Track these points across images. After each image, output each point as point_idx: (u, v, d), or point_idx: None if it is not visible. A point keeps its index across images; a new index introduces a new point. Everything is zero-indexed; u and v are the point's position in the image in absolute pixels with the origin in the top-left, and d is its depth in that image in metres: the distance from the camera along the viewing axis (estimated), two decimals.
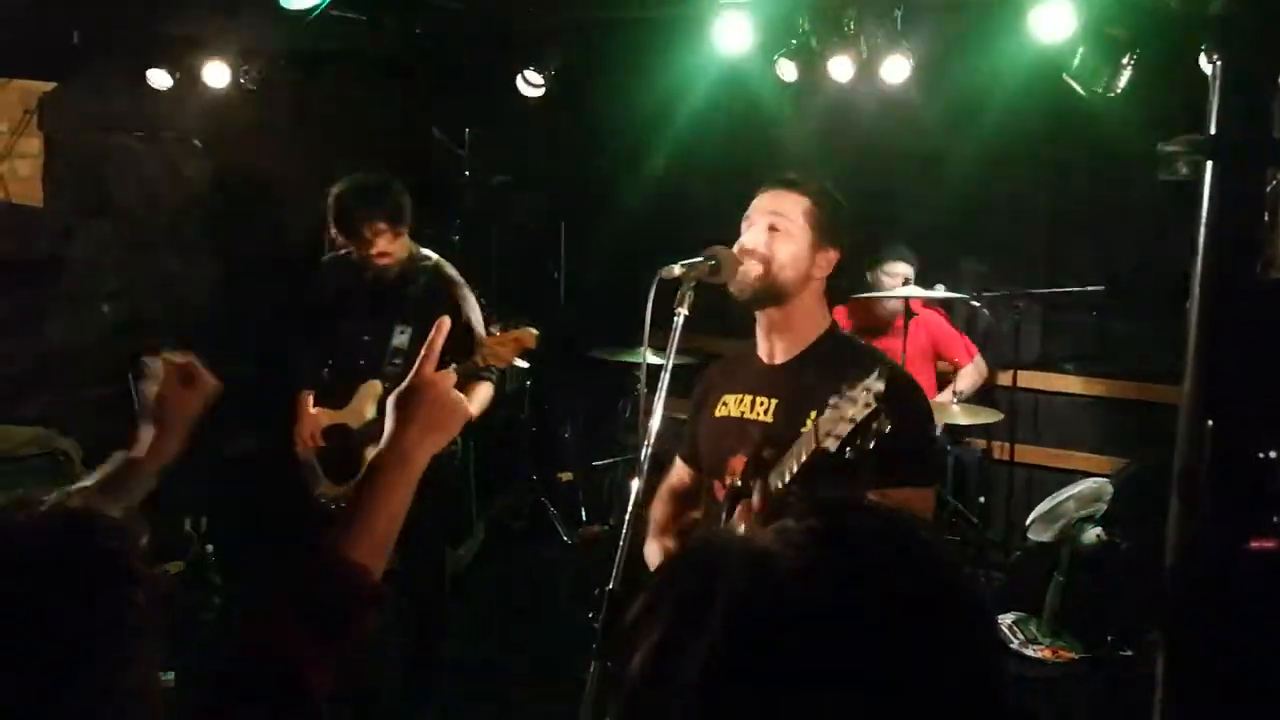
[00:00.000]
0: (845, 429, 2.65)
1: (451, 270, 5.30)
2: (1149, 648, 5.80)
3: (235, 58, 6.50)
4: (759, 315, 3.32)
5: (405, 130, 7.83)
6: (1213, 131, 1.62)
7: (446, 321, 2.29)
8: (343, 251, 5.33)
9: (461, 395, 2.14)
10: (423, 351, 2.17)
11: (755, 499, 2.88)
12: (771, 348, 3.32)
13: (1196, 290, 1.58)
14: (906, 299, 6.45)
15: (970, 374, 6.80)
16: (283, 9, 5.65)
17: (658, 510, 3.68)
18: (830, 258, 3.24)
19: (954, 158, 6.79)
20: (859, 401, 2.64)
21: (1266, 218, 1.72)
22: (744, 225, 3.30)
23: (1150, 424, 6.53)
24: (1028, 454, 7.09)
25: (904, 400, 2.95)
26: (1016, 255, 7.24)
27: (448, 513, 5.40)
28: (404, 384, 2.07)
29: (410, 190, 7.78)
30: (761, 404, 3.27)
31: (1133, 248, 6.77)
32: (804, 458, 2.77)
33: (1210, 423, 1.57)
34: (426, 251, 5.30)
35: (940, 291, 6.61)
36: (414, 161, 7.85)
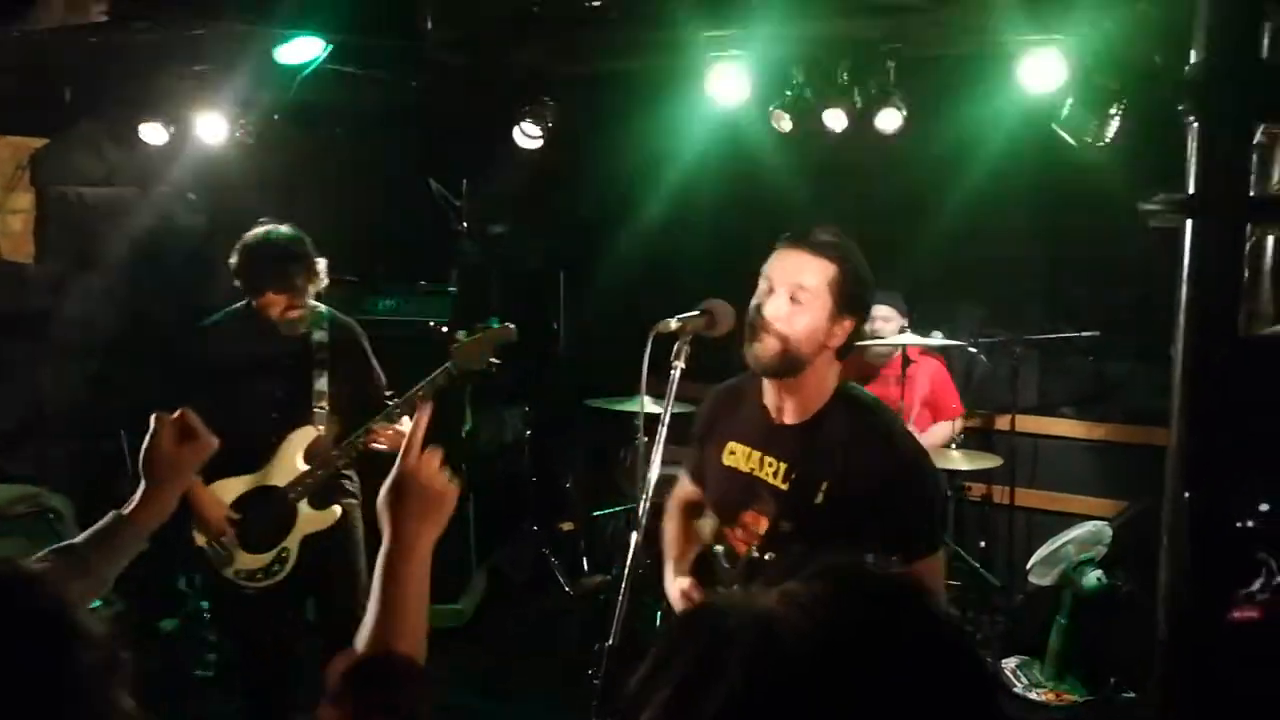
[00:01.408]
0: None
1: (342, 315, 5.22)
2: (1152, 690, 5.80)
3: (230, 111, 6.53)
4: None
5: (402, 182, 7.86)
6: (1190, 190, 1.64)
7: (428, 409, 2.28)
8: (234, 309, 5.06)
9: (446, 476, 2.12)
10: (404, 444, 2.13)
11: None
12: (780, 405, 3.30)
13: (1179, 349, 1.60)
14: (904, 346, 6.46)
15: (943, 431, 6.82)
16: (278, 63, 5.69)
17: (671, 528, 3.76)
18: (847, 327, 3.18)
19: (949, 206, 6.82)
20: None
21: (1247, 274, 1.74)
22: (763, 283, 3.22)
23: (1148, 466, 6.48)
24: (1027, 498, 7.08)
25: (912, 477, 3.11)
26: (1013, 301, 7.26)
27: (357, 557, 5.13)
28: (390, 479, 2.06)
29: (408, 241, 7.85)
30: (771, 465, 3.27)
31: (1128, 291, 6.78)
32: None
33: (1187, 495, 1.58)
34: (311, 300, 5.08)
35: (938, 339, 6.64)
36: (411, 212, 7.88)
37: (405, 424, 4.79)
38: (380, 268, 7.39)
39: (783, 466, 3.24)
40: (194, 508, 4.81)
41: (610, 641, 3.09)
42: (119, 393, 6.65)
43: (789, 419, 3.27)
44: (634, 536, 3.27)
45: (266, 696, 5.05)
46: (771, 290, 3.16)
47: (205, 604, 5.71)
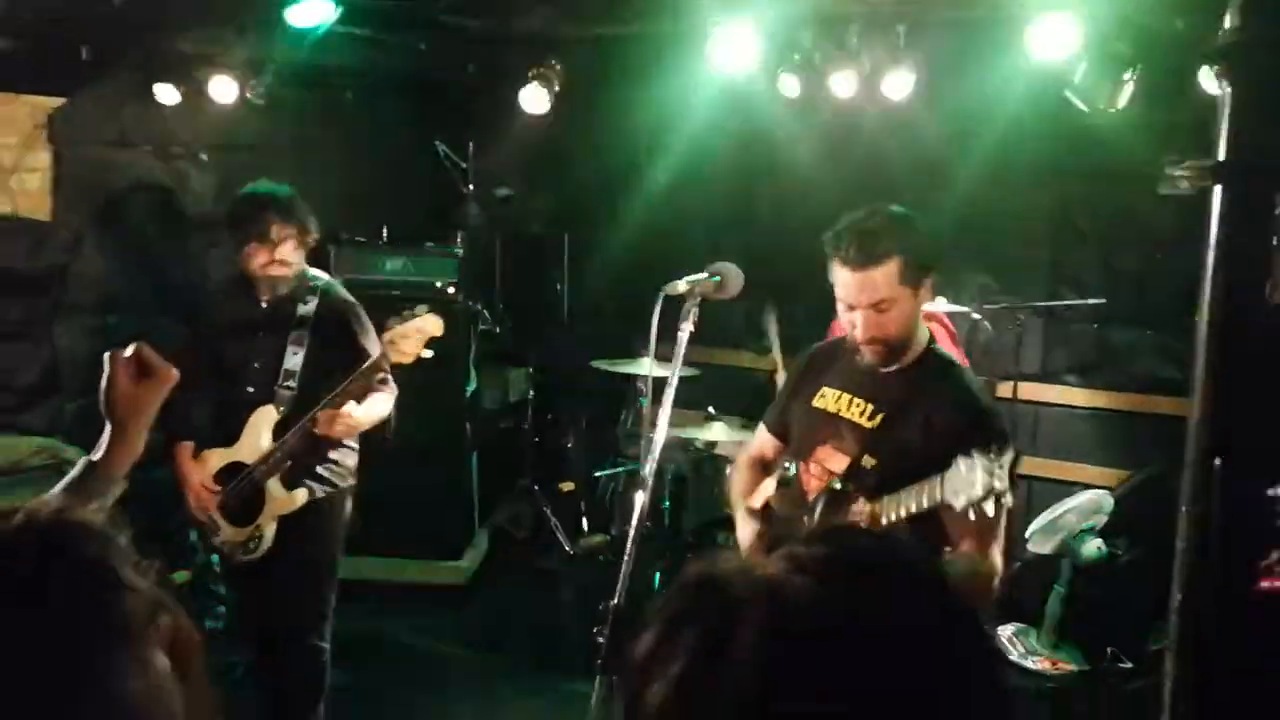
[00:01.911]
0: (976, 495, 2.91)
1: (343, 291, 4.98)
2: (1149, 659, 5.82)
3: (242, 73, 6.51)
4: None
5: (410, 144, 7.86)
6: (1221, 156, 1.65)
7: None
8: (230, 276, 4.96)
9: None
10: None
11: (864, 518, 3.18)
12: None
13: (1205, 317, 1.61)
14: None
15: None
16: (289, 25, 5.69)
17: (739, 480, 3.89)
18: (929, 283, 3.36)
19: (956, 172, 6.79)
20: (993, 476, 2.89)
21: (1276, 241, 1.75)
22: (840, 303, 3.36)
23: (1151, 435, 6.55)
24: (1028, 465, 7.06)
25: (991, 430, 3.24)
26: (1018, 268, 7.24)
27: (329, 560, 4.94)
28: None
29: (415, 202, 7.84)
30: (858, 406, 3.44)
31: (1134, 260, 6.78)
32: (925, 505, 3.06)
33: (1218, 461, 1.59)
34: (316, 272, 4.94)
35: (942, 304, 6.63)
36: (418, 174, 7.88)
37: (351, 410, 4.58)
38: (387, 229, 7.38)
39: (870, 406, 3.41)
40: (179, 476, 4.75)
41: (615, 600, 3.14)
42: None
43: (881, 367, 3.43)
44: (639, 497, 3.31)
45: (266, 656, 4.99)
46: (852, 309, 3.32)
47: (215, 558, 5.73)
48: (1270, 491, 1.80)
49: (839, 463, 3.39)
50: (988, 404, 3.45)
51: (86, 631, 1.25)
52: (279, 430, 4.66)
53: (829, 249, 3.33)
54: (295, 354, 4.70)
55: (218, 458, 4.74)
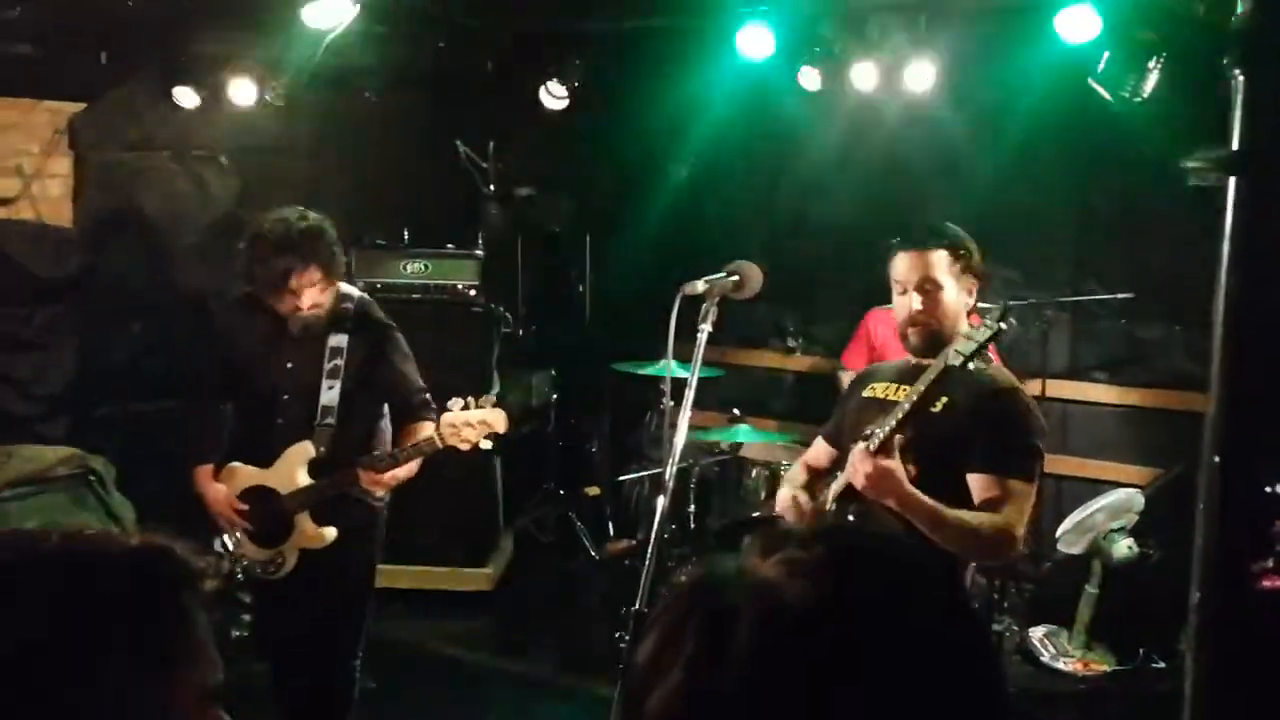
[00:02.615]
0: (970, 348, 3.32)
1: (377, 312, 4.68)
2: (1182, 660, 5.76)
3: (260, 75, 6.50)
4: None
5: (430, 143, 7.84)
6: (1235, 147, 1.60)
7: None
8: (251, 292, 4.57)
9: None
10: None
11: (879, 434, 3.45)
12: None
13: (1220, 313, 1.57)
14: None
15: None
16: (307, 26, 5.67)
17: (794, 471, 4.17)
18: (973, 286, 3.72)
19: (980, 164, 6.74)
20: (986, 329, 3.30)
21: None
22: (895, 289, 3.73)
23: (1182, 432, 6.45)
24: (1057, 464, 6.99)
25: (1015, 404, 3.61)
26: (1044, 263, 7.16)
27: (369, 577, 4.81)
28: None
29: (435, 204, 7.83)
30: (904, 391, 3.68)
31: (1162, 254, 6.69)
32: (934, 375, 3.39)
33: (1218, 459, 1.55)
34: (348, 290, 4.63)
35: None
36: (439, 175, 7.87)
37: (396, 472, 4.42)
38: (407, 231, 7.37)
39: (911, 390, 3.62)
40: (201, 499, 4.58)
41: (637, 606, 3.12)
42: (156, 356, 6.71)
43: (925, 357, 3.69)
44: (660, 501, 3.29)
45: (295, 669, 4.89)
46: (905, 292, 3.69)
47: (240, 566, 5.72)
48: (1269, 488, 1.76)
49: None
50: (1018, 391, 3.68)
51: (171, 643, 1.31)
52: (315, 468, 4.46)
53: (892, 247, 3.74)
54: (331, 388, 4.45)
55: (246, 476, 4.54)
